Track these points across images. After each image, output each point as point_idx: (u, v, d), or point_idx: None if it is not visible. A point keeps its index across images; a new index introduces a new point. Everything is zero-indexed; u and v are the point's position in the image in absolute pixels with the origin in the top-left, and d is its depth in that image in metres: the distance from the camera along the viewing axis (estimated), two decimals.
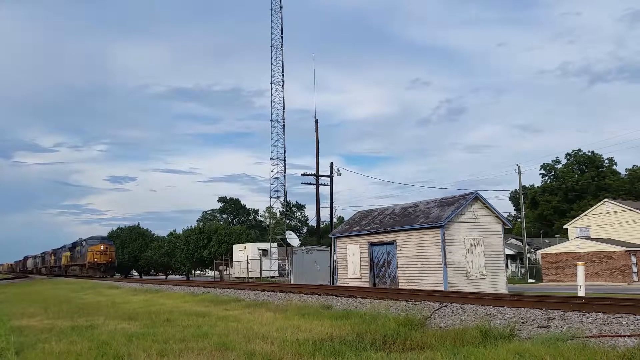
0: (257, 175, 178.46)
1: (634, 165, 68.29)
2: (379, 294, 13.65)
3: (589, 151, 66.13)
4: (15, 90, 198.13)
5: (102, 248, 48.39)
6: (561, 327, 7.49)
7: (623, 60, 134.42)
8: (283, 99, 46.72)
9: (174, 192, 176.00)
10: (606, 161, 65.97)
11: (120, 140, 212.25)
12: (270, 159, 45.65)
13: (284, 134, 46.04)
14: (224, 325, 9.52)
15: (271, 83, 46.76)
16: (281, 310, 11.53)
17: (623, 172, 67.92)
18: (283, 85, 46.94)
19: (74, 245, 55.30)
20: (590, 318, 7.91)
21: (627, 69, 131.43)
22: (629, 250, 38.84)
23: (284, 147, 45.86)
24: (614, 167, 66.48)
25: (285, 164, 45.91)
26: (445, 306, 10.35)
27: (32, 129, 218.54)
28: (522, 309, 9.27)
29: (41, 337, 8.84)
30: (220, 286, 20.39)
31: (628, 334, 6.66)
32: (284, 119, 46.28)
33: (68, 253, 58.17)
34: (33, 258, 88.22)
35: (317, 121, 42.20)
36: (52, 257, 68.05)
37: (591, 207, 48.38)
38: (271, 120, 46.14)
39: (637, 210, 42.69)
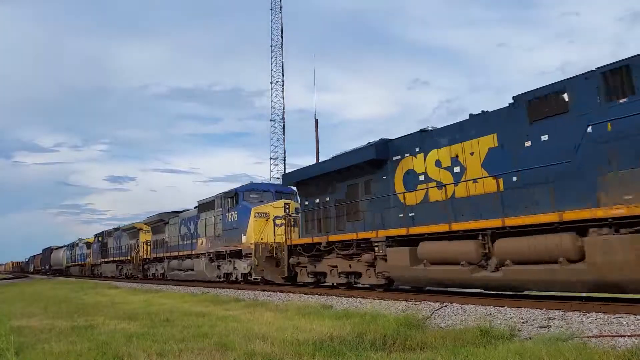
0: (257, 175, 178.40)
1: None
2: (379, 294, 13.63)
3: None
4: (15, 90, 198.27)
5: None
6: (561, 327, 7.48)
7: None
8: (283, 99, 46.92)
9: (174, 192, 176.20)
10: None
11: (120, 140, 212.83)
12: (270, 158, 45.86)
13: (284, 134, 46.28)
14: (223, 325, 9.49)
15: (271, 83, 46.94)
16: (281, 310, 11.50)
17: None
18: (283, 85, 47.12)
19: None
20: (591, 318, 7.90)
21: None
22: None
23: (284, 147, 46.09)
24: None
25: (285, 163, 46.16)
26: (446, 306, 10.34)
27: (32, 129, 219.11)
28: (523, 309, 9.25)
29: (41, 337, 8.82)
30: (220, 286, 20.36)
31: (628, 334, 6.65)
32: (283, 118, 46.46)
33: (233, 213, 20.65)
34: (69, 248, 52.81)
35: (317, 121, 42.02)
36: (148, 237, 31.87)
37: None
38: (271, 120, 46.36)
39: None
